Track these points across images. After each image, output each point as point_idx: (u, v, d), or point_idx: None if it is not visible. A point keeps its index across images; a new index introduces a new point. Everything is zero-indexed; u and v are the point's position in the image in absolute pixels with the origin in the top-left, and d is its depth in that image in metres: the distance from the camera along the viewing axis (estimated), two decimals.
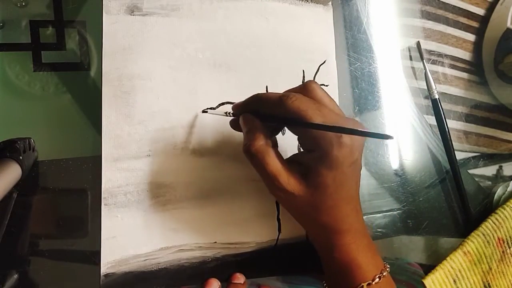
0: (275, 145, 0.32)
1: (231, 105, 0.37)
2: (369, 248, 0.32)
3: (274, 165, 0.30)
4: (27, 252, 0.32)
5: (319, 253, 0.34)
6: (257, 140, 0.30)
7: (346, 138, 0.28)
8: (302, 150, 0.32)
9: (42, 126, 0.34)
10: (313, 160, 0.30)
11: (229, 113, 0.34)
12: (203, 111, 0.37)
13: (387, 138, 0.26)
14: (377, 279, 0.31)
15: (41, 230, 0.33)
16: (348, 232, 0.31)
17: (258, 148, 0.30)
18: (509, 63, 0.47)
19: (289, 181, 0.30)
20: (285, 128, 0.39)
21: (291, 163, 0.31)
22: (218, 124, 0.37)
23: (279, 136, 0.39)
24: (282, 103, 0.29)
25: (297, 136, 0.33)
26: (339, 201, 0.30)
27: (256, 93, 0.32)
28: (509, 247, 0.44)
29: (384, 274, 0.31)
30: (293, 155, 0.34)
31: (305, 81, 0.33)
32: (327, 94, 0.31)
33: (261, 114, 0.31)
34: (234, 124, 0.34)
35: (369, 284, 0.30)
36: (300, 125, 0.29)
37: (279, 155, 0.30)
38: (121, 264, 0.33)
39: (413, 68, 0.46)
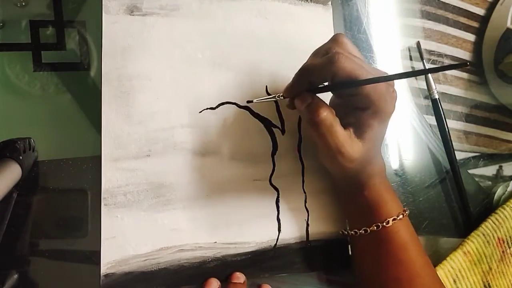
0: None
1: (231, 105, 0.38)
2: (391, 188, 0.36)
3: (341, 132, 0.31)
4: (27, 252, 0.32)
5: (346, 196, 0.36)
6: (321, 110, 0.30)
7: (394, 92, 0.31)
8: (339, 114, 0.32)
9: (42, 126, 0.34)
10: (368, 117, 0.31)
11: (279, 95, 0.34)
12: (248, 102, 0.37)
13: (464, 66, 0.25)
14: (400, 216, 0.34)
15: (41, 230, 0.33)
16: (378, 174, 0.34)
17: (324, 117, 0.30)
18: (509, 63, 0.47)
19: (353, 146, 0.31)
20: (285, 128, 0.39)
21: (345, 128, 0.32)
22: (218, 124, 0.37)
23: (279, 136, 0.39)
24: (333, 64, 0.29)
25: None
26: (378, 149, 0.34)
27: (300, 68, 0.32)
28: (509, 247, 0.44)
29: (406, 212, 0.34)
30: (339, 118, 0.33)
31: (335, 34, 0.33)
32: (355, 46, 0.33)
33: (314, 88, 0.32)
34: (292, 105, 0.34)
35: (394, 219, 0.33)
36: (362, 83, 0.29)
37: (340, 124, 0.31)
38: (121, 264, 0.33)
39: (413, 68, 0.46)
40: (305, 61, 0.33)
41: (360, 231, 0.35)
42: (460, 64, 0.25)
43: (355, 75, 0.29)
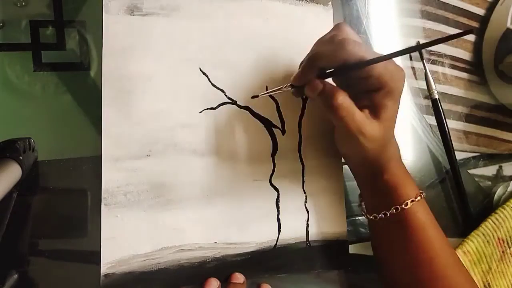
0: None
1: (231, 104, 0.37)
2: (407, 171, 0.36)
3: (360, 113, 0.31)
4: (27, 252, 0.32)
5: (365, 181, 0.37)
6: (338, 94, 0.31)
7: (402, 71, 0.32)
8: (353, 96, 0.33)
9: (42, 126, 0.34)
10: (381, 97, 0.32)
11: (286, 86, 0.35)
12: (253, 97, 0.37)
13: (468, 33, 0.26)
14: (419, 198, 0.34)
15: (41, 230, 0.33)
16: (395, 156, 0.35)
17: (341, 100, 0.31)
18: (509, 63, 0.47)
19: (373, 126, 0.32)
20: (285, 128, 0.39)
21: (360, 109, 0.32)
22: (218, 124, 0.37)
23: (279, 136, 0.39)
24: (343, 50, 0.30)
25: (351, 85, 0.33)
26: (394, 130, 0.34)
27: (309, 55, 0.33)
28: (509, 247, 0.44)
29: (423, 194, 0.35)
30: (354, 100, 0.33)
31: (336, 23, 0.34)
32: (356, 33, 0.34)
33: (325, 73, 0.32)
34: (298, 93, 0.35)
35: (412, 201, 0.34)
36: (366, 64, 0.30)
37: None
38: (121, 264, 0.33)
39: (413, 68, 0.46)
40: (310, 51, 0.34)
41: (380, 215, 0.35)
42: (464, 32, 0.25)
43: (364, 58, 0.30)
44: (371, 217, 0.36)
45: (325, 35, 0.34)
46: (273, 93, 0.36)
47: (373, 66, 0.30)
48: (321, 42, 0.34)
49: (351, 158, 0.37)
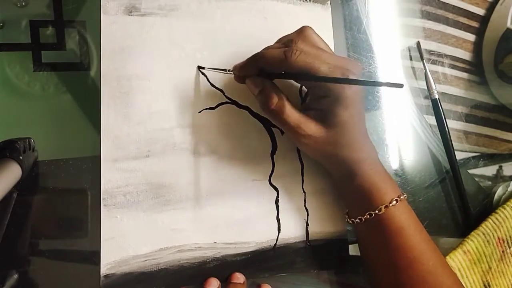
0: (287, 99, 0.34)
1: (231, 105, 0.38)
2: (385, 174, 0.35)
3: (295, 116, 0.33)
4: (27, 252, 0.32)
5: (339, 186, 0.37)
6: (273, 98, 0.33)
7: (352, 74, 0.31)
8: (307, 99, 0.35)
9: (42, 126, 0.34)
10: (328, 104, 0.32)
11: (229, 70, 0.36)
12: (199, 67, 0.37)
13: (398, 87, 0.27)
14: (394, 202, 0.33)
15: (41, 230, 0.33)
16: (366, 160, 0.34)
17: (276, 105, 0.33)
18: (509, 63, 0.47)
19: (310, 127, 0.33)
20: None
21: (306, 112, 0.34)
22: (218, 124, 0.37)
23: (278, 136, 0.39)
24: (286, 59, 0.31)
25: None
26: (357, 134, 0.34)
27: (256, 53, 0.34)
28: (509, 247, 0.44)
29: (401, 198, 0.34)
30: (305, 104, 0.36)
31: (301, 26, 0.34)
32: (321, 37, 0.34)
33: (268, 73, 0.33)
34: (240, 79, 0.35)
35: (386, 206, 0.33)
36: (310, 79, 0.31)
37: (295, 108, 0.33)
38: (121, 265, 0.33)
39: (413, 68, 0.46)
40: (266, 46, 0.35)
41: (357, 220, 0.35)
42: (395, 84, 0.26)
43: (311, 69, 0.30)
44: (350, 221, 0.36)
45: (286, 35, 0.34)
46: (217, 71, 0.37)
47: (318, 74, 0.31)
48: (278, 41, 0.35)
49: (319, 162, 0.37)
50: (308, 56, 0.31)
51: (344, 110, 0.32)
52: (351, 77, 0.31)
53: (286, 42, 0.33)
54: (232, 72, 0.36)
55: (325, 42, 0.34)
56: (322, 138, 0.33)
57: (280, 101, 0.33)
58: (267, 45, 0.35)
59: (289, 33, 0.34)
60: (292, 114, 0.33)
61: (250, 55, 0.34)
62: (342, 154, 0.34)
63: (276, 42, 0.35)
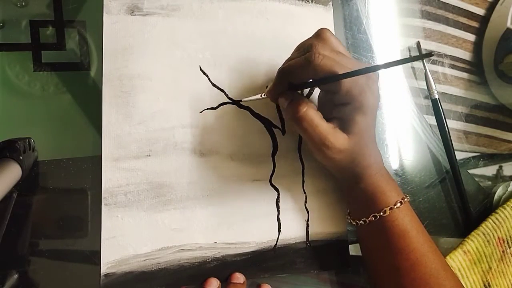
0: (316, 109, 0.33)
1: (233, 105, 0.38)
2: (389, 178, 0.36)
3: (323, 125, 0.32)
4: (27, 252, 0.32)
5: (344, 188, 0.38)
6: (302, 106, 0.32)
7: (375, 85, 0.32)
8: (324, 107, 0.34)
9: (42, 126, 0.34)
10: (349, 112, 0.32)
11: (262, 95, 0.36)
12: (236, 101, 0.37)
13: (428, 57, 0.26)
14: (398, 204, 0.34)
15: (41, 230, 0.33)
16: (373, 165, 0.35)
17: (305, 112, 0.32)
18: (509, 63, 0.47)
19: (337, 138, 0.32)
20: (285, 128, 0.39)
21: (329, 121, 0.33)
22: (219, 124, 0.37)
23: (279, 136, 0.39)
24: (310, 64, 0.30)
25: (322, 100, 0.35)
26: (368, 140, 0.34)
27: (278, 69, 0.33)
28: (509, 247, 0.44)
29: (405, 200, 0.35)
30: (324, 112, 0.34)
31: (318, 29, 0.34)
32: (339, 40, 0.33)
33: (294, 85, 0.33)
34: (275, 100, 0.35)
35: (391, 208, 0.34)
36: (339, 78, 0.30)
37: (323, 119, 0.33)
38: (121, 264, 0.33)
39: (413, 68, 0.46)
40: (288, 57, 0.34)
41: (360, 222, 0.35)
42: (425, 55, 0.26)
43: (332, 72, 0.30)
44: (353, 223, 0.36)
45: (304, 41, 0.34)
46: (255, 100, 0.36)
47: (342, 81, 0.30)
48: (298, 48, 0.34)
49: (327, 167, 0.36)
50: (329, 60, 0.30)
51: (364, 118, 0.32)
52: (374, 86, 0.31)
53: (306, 48, 0.32)
54: (266, 96, 0.35)
55: (342, 45, 0.34)
56: (346, 149, 0.32)
57: (310, 109, 0.32)
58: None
59: (307, 38, 0.34)
60: (321, 123, 0.32)
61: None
62: (351, 159, 0.34)
63: (294, 51, 0.34)
